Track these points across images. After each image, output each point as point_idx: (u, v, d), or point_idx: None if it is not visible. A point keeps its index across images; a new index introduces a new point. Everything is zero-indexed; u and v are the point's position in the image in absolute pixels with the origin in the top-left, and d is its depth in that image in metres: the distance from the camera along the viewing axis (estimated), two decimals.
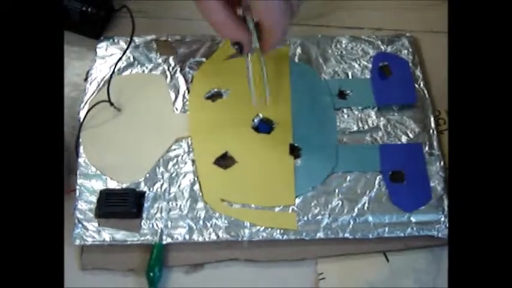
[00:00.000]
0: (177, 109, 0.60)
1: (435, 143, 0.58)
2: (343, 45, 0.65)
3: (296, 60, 0.63)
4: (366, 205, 0.55)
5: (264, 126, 0.59)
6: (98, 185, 0.55)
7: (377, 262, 0.54)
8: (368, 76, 0.63)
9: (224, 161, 0.57)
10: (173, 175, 0.56)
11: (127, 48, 0.61)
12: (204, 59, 0.63)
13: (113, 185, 0.56)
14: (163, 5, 0.68)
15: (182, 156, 0.57)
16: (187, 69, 0.62)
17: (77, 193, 0.55)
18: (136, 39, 0.63)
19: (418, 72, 0.63)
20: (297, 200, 0.55)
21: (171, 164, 0.57)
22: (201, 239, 0.53)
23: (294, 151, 0.58)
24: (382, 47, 0.65)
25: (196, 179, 0.56)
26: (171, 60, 0.63)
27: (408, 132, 0.59)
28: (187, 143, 0.58)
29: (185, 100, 0.60)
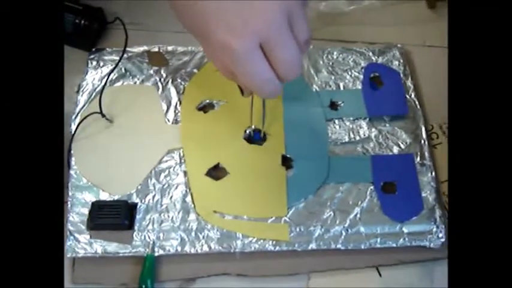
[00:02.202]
0: (168, 120, 0.60)
1: (427, 154, 0.59)
2: (335, 56, 0.65)
3: None
4: (358, 216, 0.55)
5: (257, 135, 0.59)
6: (90, 197, 0.55)
7: (370, 277, 0.54)
8: (359, 87, 0.63)
9: (216, 172, 0.57)
10: (165, 186, 0.56)
11: (120, 60, 0.61)
12: (195, 70, 0.63)
13: (104, 196, 0.55)
14: (156, 17, 0.68)
15: (174, 167, 0.57)
16: (179, 80, 0.62)
17: (69, 205, 0.55)
18: (129, 51, 0.63)
19: (409, 83, 0.63)
20: (289, 211, 0.55)
21: (163, 175, 0.57)
22: (193, 250, 0.53)
23: (286, 162, 0.58)
24: (373, 58, 0.65)
25: (188, 190, 0.56)
26: (162, 71, 0.63)
27: (400, 143, 0.59)
28: (179, 154, 0.58)
29: (177, 111, 0.60)
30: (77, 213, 0.54)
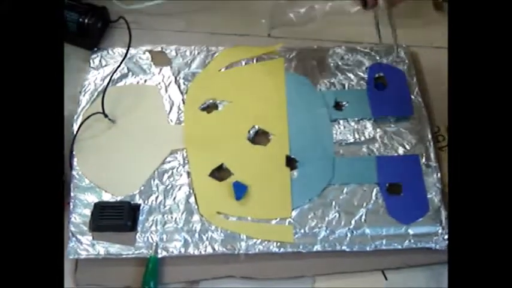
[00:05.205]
0: (171, 121, 0.60)
1: (432, 155, 0.58)
2: (339, 56, 0.64)
3: (292, 71, 0.63)
4: (363, 217, 0.54)
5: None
6: (92, 198, 0.55)
7: (375, 280, 0.54)
8: (364, 87, 0.62)
9: (220, 173, 0.57)
10: (168, 187, 0.56)
11: (123, 59, 0.61)
12: (199, 70, 0.63)
13: (107, 197, 0.55)
14: (159, 17, 0.67)
15: (177, 168, 0.57)
16: (182, 80, 0.62)
17: (71, 206, 0.54)
18: (131, 50, 0.63)
19: (414, 83, 0.62)
20: (294, 213, 0.54)
21: (166, 176, 0.56)
22: (196, 252, 0.52)
23: (291, 163, 0.57)
24: (377, 58, 0.64)
25: (191, 191, 0.55)
26: (165, 71, 0.63)
27: (405, 144, 0.59)
28: (183, 155, 0.57)
29: (180, 111, 0.60)
30: (79, 214, 0.54)
